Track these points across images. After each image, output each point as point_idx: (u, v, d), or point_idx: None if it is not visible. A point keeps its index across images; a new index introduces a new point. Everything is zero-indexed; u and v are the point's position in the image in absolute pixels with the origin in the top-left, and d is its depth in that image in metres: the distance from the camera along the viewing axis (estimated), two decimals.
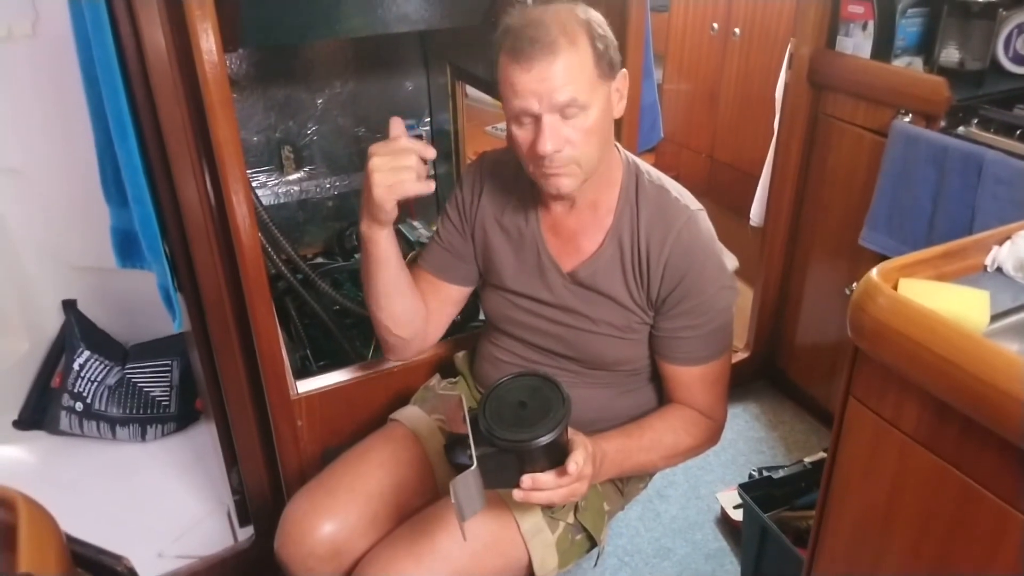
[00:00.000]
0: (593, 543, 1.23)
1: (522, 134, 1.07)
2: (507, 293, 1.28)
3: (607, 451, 1.10)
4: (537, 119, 1.04)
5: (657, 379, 1.29)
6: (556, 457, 0.99)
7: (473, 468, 0.96)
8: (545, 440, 0.95)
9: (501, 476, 0.99)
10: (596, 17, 1.08)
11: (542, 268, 1.23)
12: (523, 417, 0.98)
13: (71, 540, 0.63)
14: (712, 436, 1.25)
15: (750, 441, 2.06)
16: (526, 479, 0.97)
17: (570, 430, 1.02)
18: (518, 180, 1.23)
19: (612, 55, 1.07)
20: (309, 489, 1.25)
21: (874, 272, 0.88)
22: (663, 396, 1.29)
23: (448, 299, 1.33)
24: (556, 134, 1.04)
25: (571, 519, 1.20)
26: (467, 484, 0.95)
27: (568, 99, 1.02)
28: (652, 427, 1.19)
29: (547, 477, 0.98)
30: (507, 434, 0.96)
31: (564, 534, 1.19)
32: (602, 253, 1.19)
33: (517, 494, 0.98)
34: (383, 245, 1.15)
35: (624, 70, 1.11)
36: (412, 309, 1.26)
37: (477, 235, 1.28)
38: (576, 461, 0.97)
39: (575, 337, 1.23)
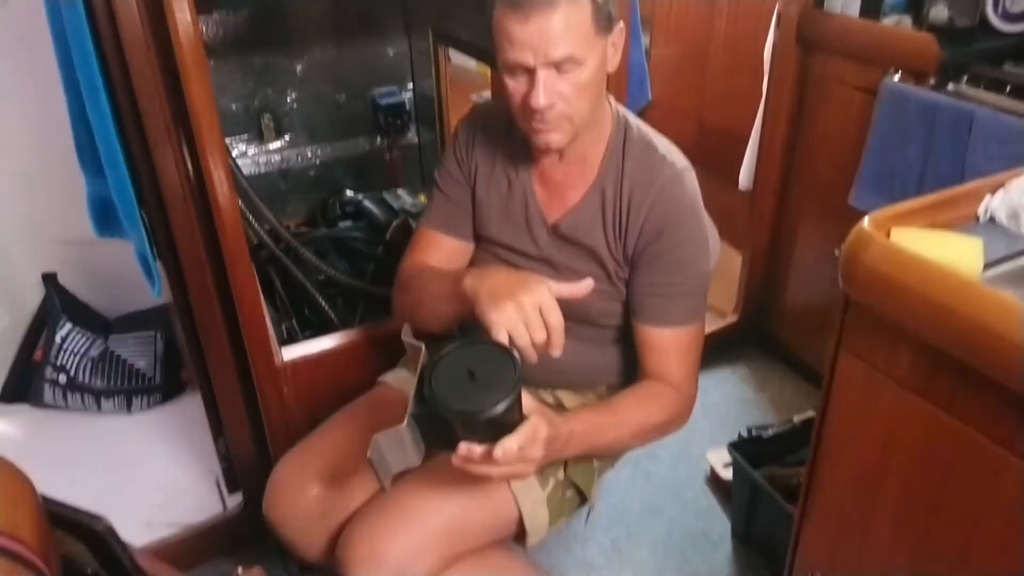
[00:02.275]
0: (584, 500, 1.23)
1: (515, 85, 1.05)
2: (494, 246, 1.26)
3: (575, 430, 1.05)
4: (531, 72, 1.01)
5: None
6: (498, 433, 0.93)
7: (403, 426, 0.92)
8: (485, 415, 0.90)
9: (441, 439, 0.95)
10: None
11: (529, 219, 1.21)
12: (470, 386, 0.92)
13: (47, 500, 0.62)
14: (683, 411, 1.21)
15: (739, 403, 2.07)
16: (462, 447, 0.92)
17: (536, 406, 0.97)
18: (509, 132, 1.20)
19: (611, 8, 1.04)
20: (297, 451, 1.24)
21: (866, 221, 0.88)
22: None
23: (453, 257, 1.28)
24: (550, 89, 1.01)
25: (561, 475, 1.20)
26: (396, 440, 0.92)
27: (564, 55, 0.99)
28: (622, 403, 1.16)
29: (480, 450, 0.92)
30: (447, 400, 0.91)
31: (555, 490, 1.19)
32: (585, 205, 1.17)
33: (454, 460, 0.94)
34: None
35: (621, 23, 1.08)
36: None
37: (472, 184, 1.26)
38: (504, 447, 0.91)
39: None
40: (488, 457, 0.92)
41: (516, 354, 0.95)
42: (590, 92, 1.05)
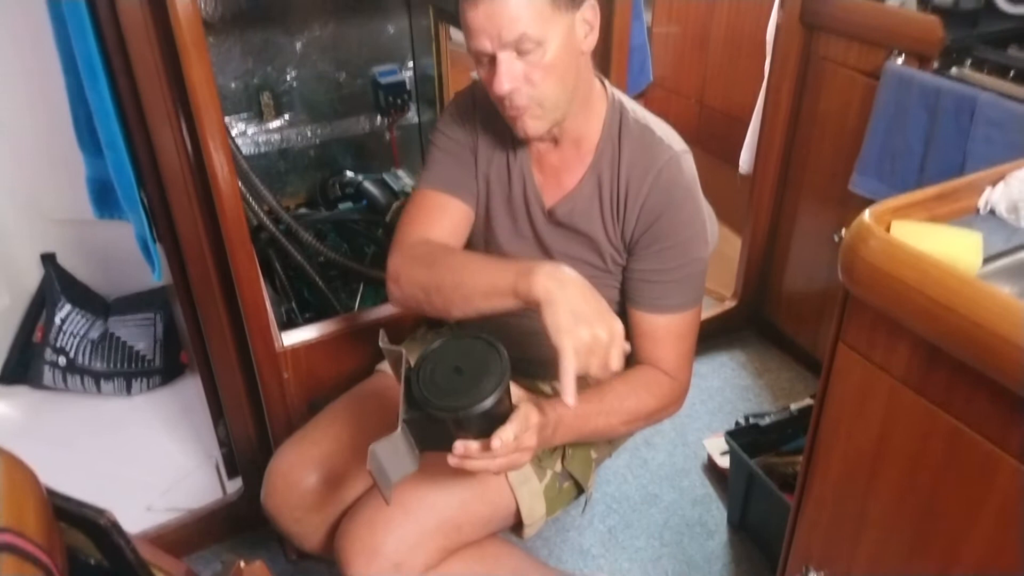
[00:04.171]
0: (580, 490, 1.24)
1: (483, 74, 1.03)
2: (489, 231, 1.24)
3: (563, 416, 1.04)
4: (492, 58, 1.00)
5: None
6: (492, 425, 0.93)
7: (397, 432, 0.92)
8: (476, 410, 0.89)
9: (435, 440, 0.95)
10: None
11: (528, 203, 1.19)
12: (458, 382, 0.92)
13: (51, 494, 0.62)
14: (676, 399, 1.19)
15: (737, 389, 2.07)
16: (458, 446, 0.92)
17: (522, 394, 0.96)
18: None
19: None
20: (295, 440, 1.24)
21: (866, 214, 0.87)
22: None
23: (460, 222, 1.20)
24: (511, 73, 0.99)
25: (559, 467, 1.20)
26: (392, 447, 0.92)
27: (517, 35, 0.97)
28: (614, 390, 1.13)
29: (477, 446, 0.92)
30: (438, 400, 0.91)
31: (552, 482, 1.19)
32: (581, 189, 1.16)
33: (451, 460, 0.93)
34: None
35: (593, 1, 1.04)
36: None
37: (475, 151, 1.22)
38: (502, 437, 0.90)
39: None
40: (485, 450, 0.91)
41: (499, 344, 0.94)
42: (558, 73, 1.02)
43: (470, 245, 1.25)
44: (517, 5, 0.96)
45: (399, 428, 0.93)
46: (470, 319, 1.06)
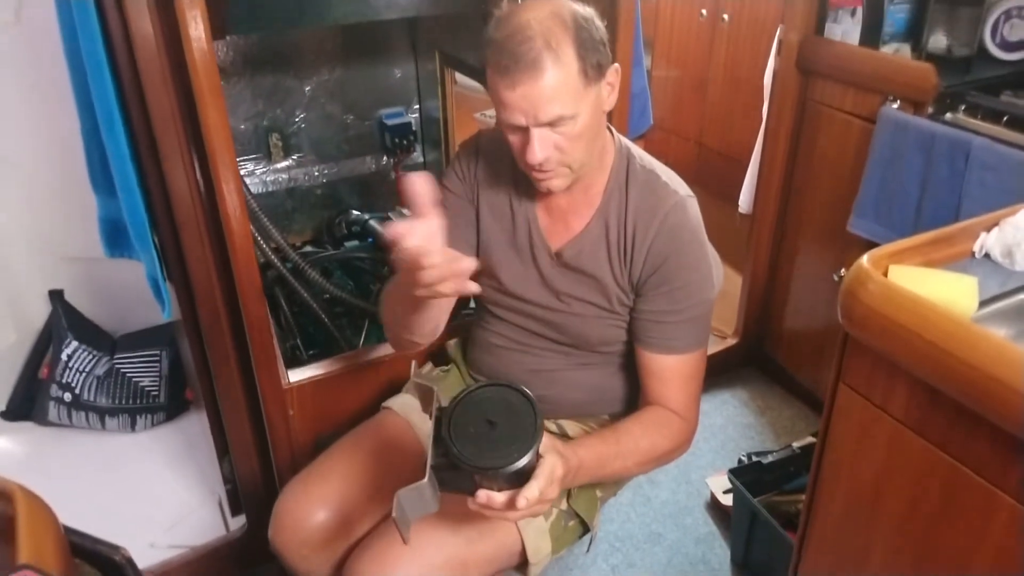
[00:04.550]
0: (586, 528, 1.24)
1: (514, 139, 1.07)
2: (497, 273, 1.27)
3: (584, 460, 1.06)
4: (525, 131, 1.04)
5: None
6: (519, 480, 0.93)
7: (424, 481, 0.92)
8: (507, 470, 0.90)
9: (457, 484, 0.95)
10: (583, 15, 1.04)
11: (533, 247, 1.22)
12: (490, 436, 0.92)
13: (68, 531, 0.63)
14: (686, 439, 1.22)
15: (739, 427, 2.08)
16: (481, 495, 0.93)
17: (549, 442, 0.97)
18: (513, 160, 1.22)
19: (600, 57, 1.04)
20: (302, 477, 1.25)
21: (864, 259, 0.89)
22: None
23: None
24: (544, 144, 1.04)
25: (564, 505, 1.21)
26: (417, 493, 0.93)
27: (554, 116, 1.01)
28: (629, 432, 1.16)
29: (501, 499, 0.93)
30: (469, 454, 0.91)
31: (557, 520, 1.20)
32: (588, 232, 1.19)
33: (471, 505, 0.94)
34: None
35: (616, 65, 1.09)
36: (436, 320, 1.20)
37: (475, 204, 1.26)
38: (527, 496, 0.91)
39: (562, 319, 1.24)
40: (509, 505, 0.92)
41: (534, 398, 0.95)
42: (586, 139, 1.07)
43: (489, 299, 1.30)
44: (555, 88, 0.99)
45: (427, 476, 0.93)
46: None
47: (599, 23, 1.06)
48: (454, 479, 0.95)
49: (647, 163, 1.20)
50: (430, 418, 0.97)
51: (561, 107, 1.01)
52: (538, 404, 0.95)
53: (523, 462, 0.90)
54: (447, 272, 0.91)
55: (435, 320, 1.19)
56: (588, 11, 1.05)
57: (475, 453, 0.91)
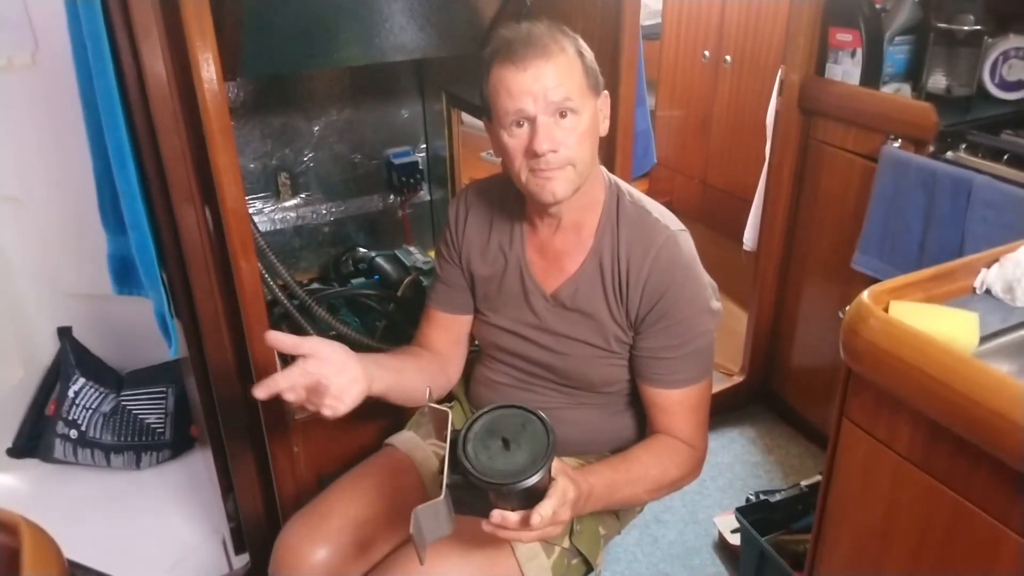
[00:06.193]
0: (589, 567, 1.23)
1: (515, 142, 1.08)
2: (495, 319, 1.29)
3: (594, 487, 1.06)
4: (532, 121, 1.06)
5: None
6: (532, 499, 0.94)
7: (441, 499, 0.93)
8: (521, 486, 0.91)
9: (472, 505, 0.96)
10: (580, 39, 1.13)
11: (526, 291, 1.24)
12: (504, 455, 0.94)
13: (73, 565, 0.64)
14: (695, 467, 1.22)
15: (747, 465, 2.06)
16: (495, 515, 0.93)
17: (560, 466, 0.98)
18: (503, 205, 1.24)
19: (597, 75, 1.12)
20: (303, 515, 1.24)
21: (865, 295, 0.90)
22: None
23: (462, 332, 1.35)
24: (550, 134, 1.06)
25: (567, 543, 1.20)
26: (433, 512, 0.93)
27: (563, 97, 1.05)
28: (639, 459, 1.16)
29: (516, 518, 0.93)
30: (484, 471, 0.92)
31: (560, 558, 1.19)
32: (582, 273, 1.20)
33: (485, 526, 0.94)
34: (376, 391, 1.14)
35: (606, 92, 1.15)
36: (423, 383, 1.22)
37: (464, 265, 1.30)
38: (541, 513, 0.92)
39: (560, 360, 1.24)
40: (524, 523, 0.92)
41: (547, 419, 0.96)
42: (589, 141, 1.10)
43: (487, 343, 1.34)
44: (563, 70, 1.06)
45: (443, 493, 0.94)
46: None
47: (591, 54, 1.13)
48: (469, 499, 0.96)
49: (636, 199, 1.21)
50: (444, 441, 0.98)
51: (569, 90, 1.06)
52: (551, 424, 0.96)
53: (537, 477, 0.91)
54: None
55: (420, 385, 1.20)
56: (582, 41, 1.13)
57: (490, 470, 0.92)
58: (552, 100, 1.05)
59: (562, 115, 1.06)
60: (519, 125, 1.08)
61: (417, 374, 1.24)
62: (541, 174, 1.09)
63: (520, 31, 1.08)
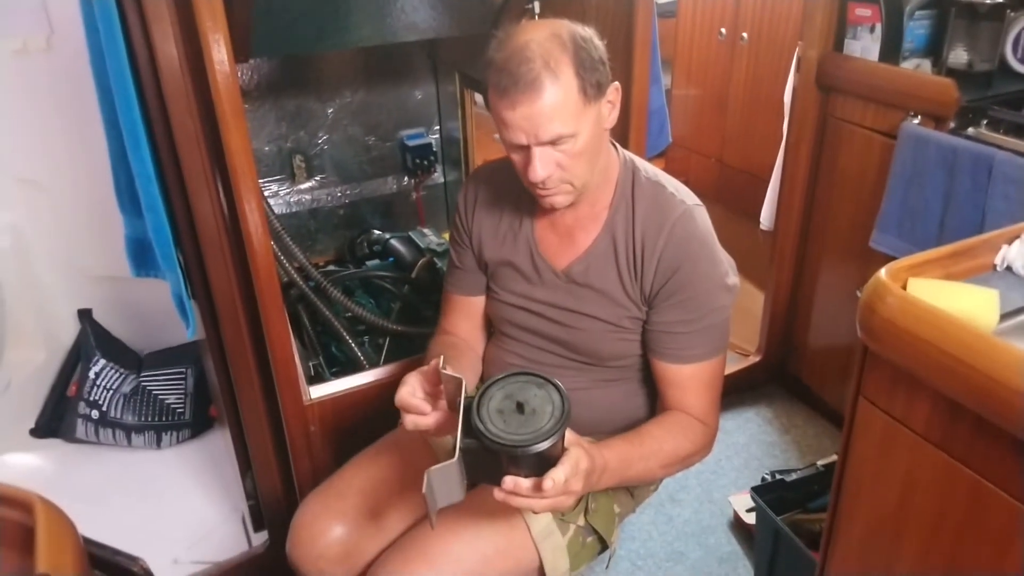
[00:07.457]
0: (604, 545, 1.24)
1: (516, 157, 1.10)
2: (506, 295, 1.29)
3: (608, 460, 1.06)
4: (527, 148, 1.06)
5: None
6: (544, 466, 0.94)
7: (454, 460, 0.94)
8: (534, 449, 0.91)
9: (485, 471, 0.96)
10: (582, 35, 1.06)
11: (537, 269, 1.24)
12: (518, 419, 0.94)
13: (88, 542, 0.65)
14: (708, 443, 1.22)
15: (763, 445, 2.06)
16: (508, 481, 0.93)
17: (574, 438, 0.98)
18: (513, 185, 1.24)
19: (600, 76, 1.06)
20: (320, 492, 1.26)
21: (883, 272, 0.88)
22: None
23: (475, 313, 1.37)
24: (546, 162, 1.06)
25: (582, 521, 1.21)
26: (446, 475, 0.93)
27: (554, 135, 1.03)
28: (652, 434, 1.16)
29: (528, 484, 0.93)
30: (497, 434, 0.92)
31: (575, 536, 1.20)
32: (595, 248, 1.20)
33: (497, 494, 0.94)
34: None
35: (616, 83, 1.10)
36: (474, 379, 1.30)
37: (475, 246, 1.30)
38: (554, 478, 0.91)
39: (572, 335, 1.24)
40: (535, 489, 0.92)
41: (562, 386, 0.97)
42: (588, 156, 1.09)
43: (500, 320, 1.34)
44: (554, 108, 1.02)
45: (456, 456, 0.94)
46: None
47: (598, 42, 1.08)
48: (482, 465, 0.96)
49: (652, 175, 1.20)
50: (458, 408, 0.98)
51: (561, 126, 1.03)
52: (567, 392, 0.96)
53: (551, 442, 0.91)
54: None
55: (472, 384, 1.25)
56: (587, 31, 1.07)
57: (504, 433, 0.93)
58: (543, 139, 1.04)
59: (557, 144, 1.05)
60: (516, 149, 1.08)
61: (468, 371, 1.28)
62: (540, 192, 1.11)
63: (512, 49, 1.03)
